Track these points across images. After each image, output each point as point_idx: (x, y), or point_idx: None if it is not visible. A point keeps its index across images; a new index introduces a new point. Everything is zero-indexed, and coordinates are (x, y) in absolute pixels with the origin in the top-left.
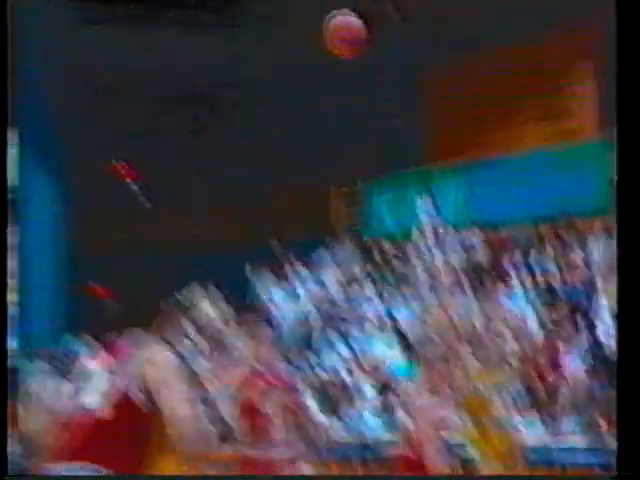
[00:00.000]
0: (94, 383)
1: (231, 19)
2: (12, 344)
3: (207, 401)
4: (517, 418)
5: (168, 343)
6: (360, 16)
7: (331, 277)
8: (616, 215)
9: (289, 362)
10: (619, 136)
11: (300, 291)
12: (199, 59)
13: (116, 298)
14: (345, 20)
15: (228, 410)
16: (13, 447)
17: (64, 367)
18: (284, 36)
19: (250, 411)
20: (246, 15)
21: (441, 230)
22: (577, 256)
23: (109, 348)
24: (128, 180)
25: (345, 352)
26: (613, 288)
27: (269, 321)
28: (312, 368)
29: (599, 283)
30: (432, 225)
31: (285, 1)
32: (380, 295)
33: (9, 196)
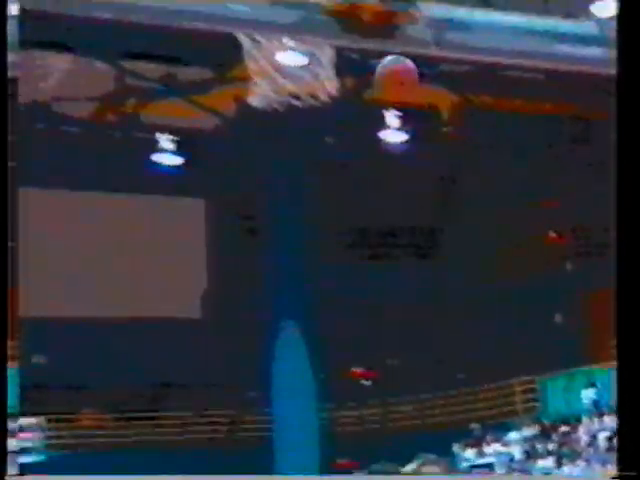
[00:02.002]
0: None
1: None
2: None
3: None
4: None
5: None
6: (411, 59)
7: (519, 451)
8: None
9: None
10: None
11: (496, 463)
12: None
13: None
14: (402, 64)
15: None
16: None
17: None
18: None
19: None
20: None
21: (605, 415)
22: None
23: None
24: (364, 379)
25: None
26: None
27: None
28: None
29: None
30: (597, 411)
31: None
32: (559, 467)
33: None
